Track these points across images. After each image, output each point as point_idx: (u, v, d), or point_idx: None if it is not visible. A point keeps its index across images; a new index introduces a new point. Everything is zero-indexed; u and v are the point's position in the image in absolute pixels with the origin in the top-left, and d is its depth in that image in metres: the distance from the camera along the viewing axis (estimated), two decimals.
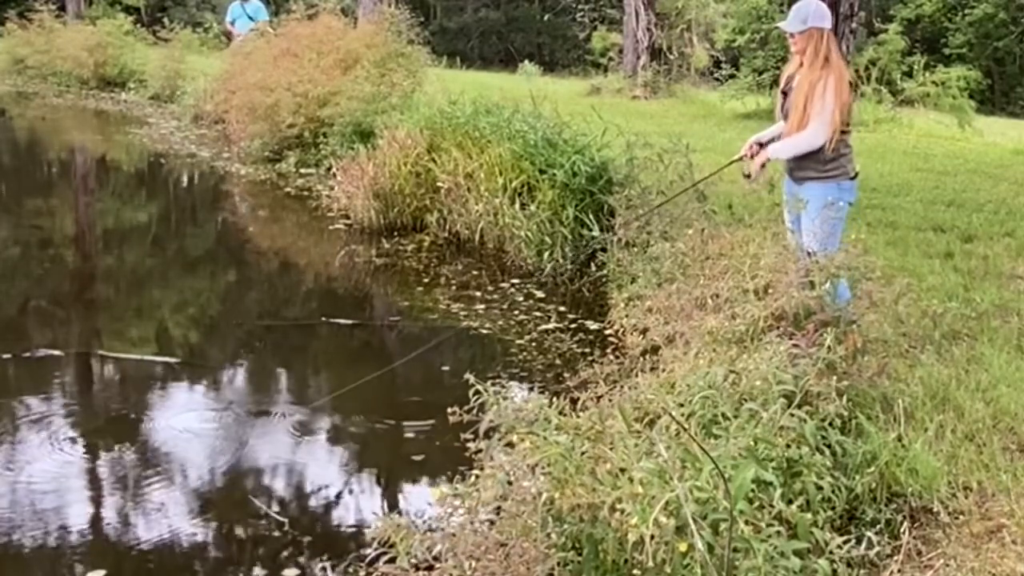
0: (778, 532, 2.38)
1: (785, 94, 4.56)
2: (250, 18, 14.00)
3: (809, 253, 4.28)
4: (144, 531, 3.47)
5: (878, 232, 6.52)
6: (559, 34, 34.10)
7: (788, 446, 2.82)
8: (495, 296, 6.39)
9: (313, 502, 3.71)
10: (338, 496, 3.79)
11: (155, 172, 11.52)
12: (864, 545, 2.70)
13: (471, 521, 2.57)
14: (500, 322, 5.86)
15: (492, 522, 2.63)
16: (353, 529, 3.53)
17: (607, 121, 7.21)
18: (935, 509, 3.03)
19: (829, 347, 3.32)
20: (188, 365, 5.02)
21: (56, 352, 5.10)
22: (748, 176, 4.79)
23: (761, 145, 4.70)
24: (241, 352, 5.24)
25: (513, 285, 6.59)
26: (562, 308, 6.09)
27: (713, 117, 13.91)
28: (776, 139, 4.65)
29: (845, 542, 2.58)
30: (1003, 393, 3.82)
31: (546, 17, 33.20)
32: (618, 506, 2.31)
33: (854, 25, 13.25)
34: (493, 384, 2.81)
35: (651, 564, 2.20)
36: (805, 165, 4.45)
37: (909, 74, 13.75)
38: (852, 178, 4.47)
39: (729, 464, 2.47)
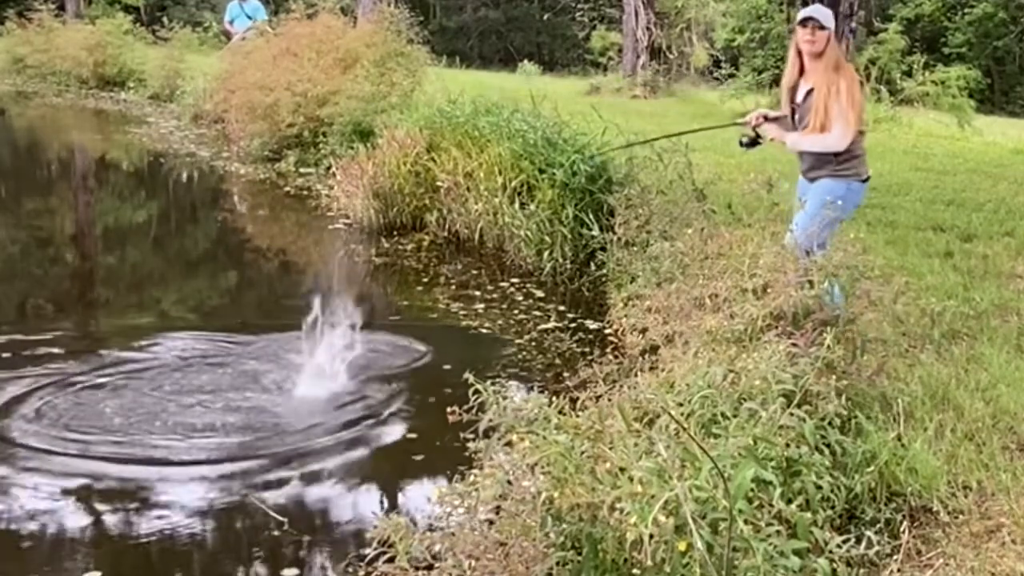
0: (777, 531, 2.38)
1: (793, 97, 4.56)
2: (249, 17, 13.99)
3: (808, 252, 4.29)
4: (141, 531, 3.46)
5: (877, 231, 6.53)
6: (559, 33, 34.11)
7: (787, 445, 2.82)
8: (494, 295, 6.39)
9: (313, 501, 3.71)
10: (338, 495, 3.78)
11: (154, 171, 11.52)
12: (864, 544, 2.70)
13: (470, 520, 2.57)
14: (499, 321, 5.86)
15: (491, 521, 2.63)
16: (353, 529, 3.53)
17: (607, 120, 7.21)
18: (935, 508, 3.03)
19: (828, 346, 3.32)
20: (184, 363, 5.01)
21: (51, 349, 5.10)
22: (745, 144, 4.76)
23: (767, 118, 4.68)
24: (238, 350, 5.23)
25: (512, 284, 6.59)
26: (561, 307, 6.09)
27: (712, 117, 13.88)
28: (781, 120, 4.64)
29: (844, 541, 2.59)
30: (1003, 392, 3.82)
31: (546, 16, 33.18)
32: (617, 505, 2.31)
33: (854, 25, 13.26)
34: (493, 383, 2.81)
35: (650, 563, 2.20)
36: (821, 164, 4.48)
37: (909, 73, 13.75)
38: (864, 180, 4.49)
39: (728, 463, 2.47)
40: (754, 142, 4.74)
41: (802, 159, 4.60)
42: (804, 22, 4.44)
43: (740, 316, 3.91)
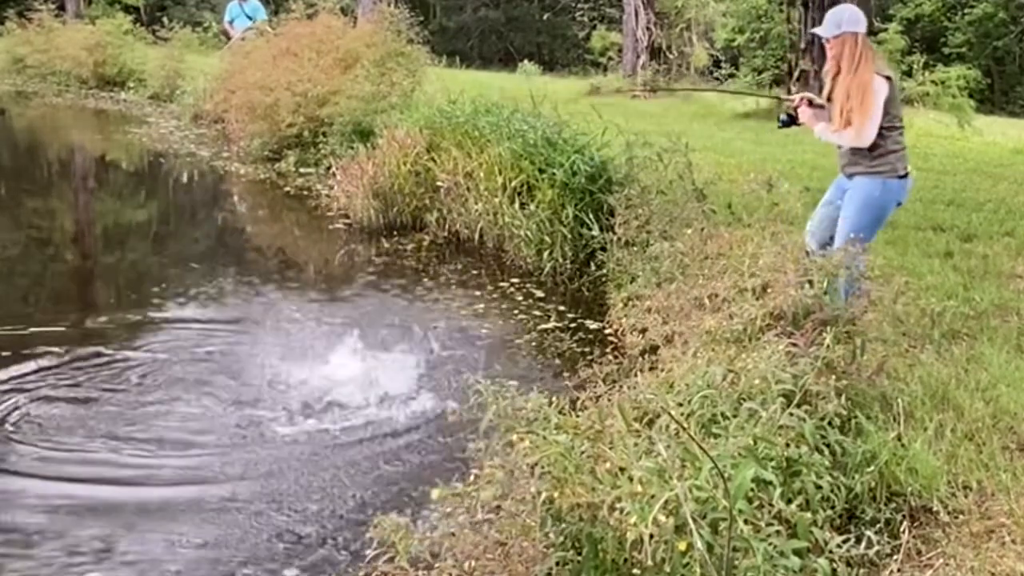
0: (777, 531, 2.38)
1: (830, 98, 4.61)
2: (249, 17, 14.00)
3: (808, 252, 4.30)
4: (139, 531, 3.46)
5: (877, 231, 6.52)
6: (559, 33, 34.12)
7: (787, 445, 2.82)
8: (494, 295, 6.39)
9: (313, 501, 3.71)
10: (338, 495, 3.78)
11: (154, 171, 11.52)
12: (864, 544, 2.70)
13: (470, 520, 2.57)
14: (499, 321, 5.86)
15: (491, 521, 2.63)
16: (353, 529, 3.53)
17: (607, 120, 7.22)
18: (935, 508, 3.03)
19: (828, 346, 3.32)
20: (178, 361, 5.01)
21: (49, 348, 5.10)
22: (783, 122, 4.87)
23: (811, 103, 4.76)
24: (235, 348, 5.23)
25: (512, 284, 6.59)
26: (561, 307, 6.09)
27: (712, 117, 13.91)
28: (822, 108, 4.71)
29: (844, 541, 2.59)
30: (1002, 392, 3.82)
31: (546, 16, 33.20)
32: (617, 505, 2.32)
33: None
34: (492, 383, 2.81)
35: (650, 563, 2.20)
36: (855, 161, 4.52)
37: (909, 73, 13.75)
38: (901, 176, 4.51)
39: (728, 463, 2.47)
40: (791, 121, 4.84)
41: (839, 155, 4.65)
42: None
43: (740, 316, 3.91)
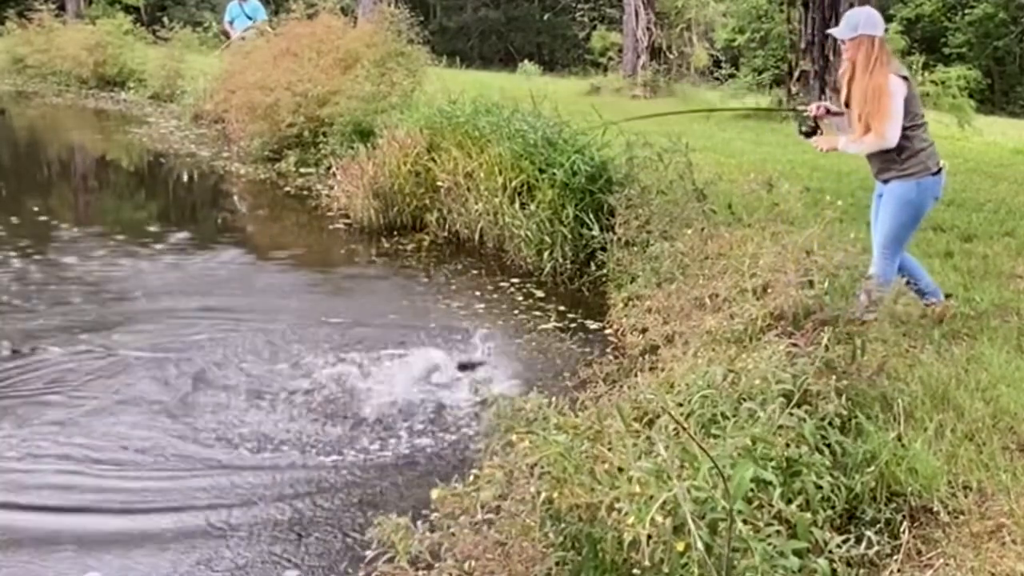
0: (777, 531, 2.38)
1: (847, 103, 4.61)
2: (249, 17, 14.00)
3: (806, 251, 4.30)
4: (138, 531, 3.46)
5: None
6: (559, 33, 34.15)
7: (787, 445, 2.82)
8: (494, 295, 6.39)
9: (312, 501, 3.71)
10: (337, 495, 3.78)
11: (155, 171, 11.52)
12: (864, 544, 2.70)
13: (471, 521, 2.57)
14: (499, 321, 5.86)
15: (491, 522, 2.63)
16: (353, 529, 3.53)
17: (607, 120, 7.21)
18: (935, 508, 3.02)
19: (827, 346, 3.32)
20: (178, 359, 5.01)
21: (50, 347, 5.11)
22: (804, 133, 4.88)
23: (829, 111, 4.76)
24: (232, 349, 5.23)
25: (512, 284, 6.59)
26: (562, 308, 6.09)
27: (712, 117, 13.88)
28: (840, 116, 4.71)
29: (844, 541, 2.59)
30: (1003, 392, 3.82)
31: (546, 17, 33.22)
32: (616, 505, 2.31)
33: None
34: (493, 384, 2.81)
35: (648, 564, 2.19)
36: (887, 166, 4.54)
37: None
38: (935, 173, 4.52)
39: (728, 463, 2.47)
40: (814, 131, 4.86)
41: (870, 162, 4.66)
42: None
43: (740, 316, 3.91)
